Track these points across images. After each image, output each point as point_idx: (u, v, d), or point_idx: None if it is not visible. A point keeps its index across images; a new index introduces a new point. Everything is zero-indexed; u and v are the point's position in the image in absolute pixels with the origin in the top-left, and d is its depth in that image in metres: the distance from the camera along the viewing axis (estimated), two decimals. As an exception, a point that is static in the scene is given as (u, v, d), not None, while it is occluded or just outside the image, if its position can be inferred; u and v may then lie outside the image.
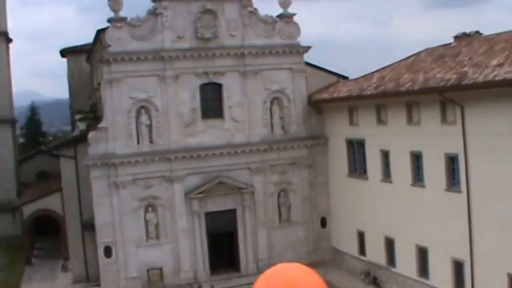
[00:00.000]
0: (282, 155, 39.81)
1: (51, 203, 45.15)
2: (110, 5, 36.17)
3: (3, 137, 56.52)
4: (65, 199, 40.12)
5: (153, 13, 37.20)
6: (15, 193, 56.16)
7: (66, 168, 39.50)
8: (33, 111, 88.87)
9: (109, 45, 36.35)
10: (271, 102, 39.78)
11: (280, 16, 39.99)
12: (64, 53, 58.91)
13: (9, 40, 61.26)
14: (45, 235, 50.47)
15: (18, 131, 72.74)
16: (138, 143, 37.21)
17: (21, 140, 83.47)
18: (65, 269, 42.80)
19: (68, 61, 59.36)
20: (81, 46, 55.46)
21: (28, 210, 46.25)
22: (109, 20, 36.49)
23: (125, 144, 36.89)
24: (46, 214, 46.15)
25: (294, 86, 40.12)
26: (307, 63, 41.42)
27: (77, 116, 47.65)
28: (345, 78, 42.30)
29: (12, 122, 59.99)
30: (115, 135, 36.80)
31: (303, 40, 40.37)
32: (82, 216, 39.32)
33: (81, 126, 41.98)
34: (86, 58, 52.43)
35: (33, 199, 46.48)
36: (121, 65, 36.36)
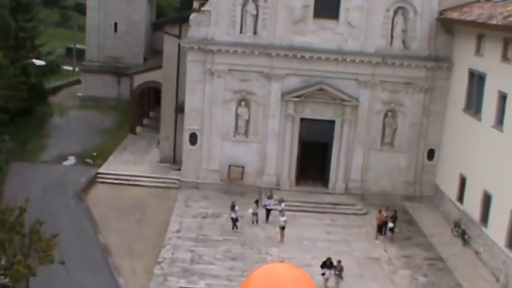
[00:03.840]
0: (397, 72, 35.89)
1: (159, 76, 44.36)
2: None
3: (137, 3, 55.92)
4: (163, 77, 39.11)
5: None
6: (142, 58, 56.19)
7: (169, 46, 38.17)
8: None
9: None
10: (395, 12, 35.50)
11: None
12: None
13: None
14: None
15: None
16: (240, 32, 34.87)
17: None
18: (159, 146, 42.46)
19: None
20: None
21: (138, 80, 45.90)
22: None
23: (226, 31, 34.70)
24: (154, 86, 45.59)
25: (424, -2, 35.48)
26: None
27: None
28: (490, -4, 36.80)
29: (152, -13, 59.18)
30: (217, 21, 34.64)
31: None
32: (178, 97, 38.17)
33: (196, 4, 39.89)
34: None
35: (144, 70, 45.90)
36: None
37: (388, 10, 35.34)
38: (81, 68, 59.54)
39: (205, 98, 35.34)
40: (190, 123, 35.80)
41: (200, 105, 35.46)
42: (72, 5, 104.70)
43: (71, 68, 73.40)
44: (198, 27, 34.76)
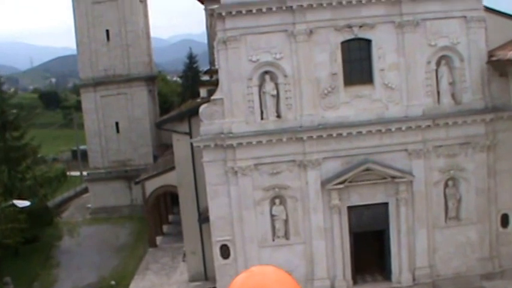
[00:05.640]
0: (451, 133, 30.14)
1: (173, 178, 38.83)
2: None
3: (138, 97, 51.13)
4: (178, 183, 33.52)
5: (278, -49, 28.62)
6: (152, 158, 51.03)
7: (180, 146, 32.72)
8: (191, 58, 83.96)
9: (220, -5, 28.51)
10: (438, 63, 29.99)
11: None
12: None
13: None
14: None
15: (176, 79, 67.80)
16: (261, 118, 29.38)
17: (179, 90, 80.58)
18: (185, 259, 36.61)
19: (206, 8, 52.32)
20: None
21: (150, 186, 40.36)
22: (223, -37, 28.44)
23: (244, 120, 29.21)
24: (169, 191, 40.06)
25: (468, 41, 29.92)
26: (487, 8, 31.00)
27: (204, 78, 40.51)
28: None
29: (150, 79, 54.31)
30: (232, 110, 29.17)
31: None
32: (199, 205, 32.50)
33: (203, 92, 34.65)
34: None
35: (155, 174, 40.38)
36: (238, 20, 28.39)
37: (429, 63, 29.86)
38: (86, 178, 54.41)
39: (231, 201, 29.63)
40: (218, 234, 29.96)
41: (227, 211, 29.72)
42: (75, 104, 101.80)
43: (78, 173, 68.90)
44: (210, 121, 29.33)
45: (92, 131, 51.43)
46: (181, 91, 79.72)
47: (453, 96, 30.22)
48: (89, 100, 51.28)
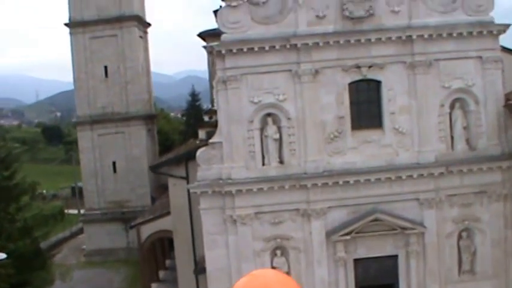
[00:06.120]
0: (466, 181, 28.14)
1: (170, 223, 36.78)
2: (223, -24, 26.45)
3: (136, 136, 49.33)
4: (174, 230, 31.54)
5: (283, -15, 27.01)
6: (150, 199, 49.04)
7: (176, 191, 30.83)
8: (194, 96, 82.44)
9: (222, 32, 26.76)
10: (451, 106, 28.16)
11: (465, -18, 28.13)
12: (203, 36, 50.36)
13: (147, 25, 53.73)
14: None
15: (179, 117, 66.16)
16: (263, 164, 27.46)
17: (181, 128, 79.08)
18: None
19: (206, 46, 50.71)
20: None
21: (146, 230, 38.28)
22: (223, -4, 26.83)
23: (244, 165, 27.29)
24: (166, 236, 37.97)
25: (484, 82, 28.11)
26: (504, 49, 29.48)
27: (205, 117, 38.72)
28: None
29: (149, 117, 52.59)
30: (232, 154, 27.27)
31: (497, 15, 28.25)
32: (195, 253, 30.45)
33: (202, 134, 32.82)
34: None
35: (151, 218, 38.32)
36: (238, 59, 26.69)
37: (442, 106, 28.00)
38: (81, 218, 52.41)
39: (230, 252, 27.56)
40: (216, 287, 27.81)
41: (225, 262, 27.62)
42: (76, 139, 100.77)
43: (76, 211, 67.11)
44: (208, 165, 27.42)
45: (88, 170, 49.60)
46: (184, 129, 78.14)
47: (468, 141, 28.35)
48: (85, 138, 49.56)
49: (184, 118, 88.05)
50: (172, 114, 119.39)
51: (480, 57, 28.07)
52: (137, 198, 48.69)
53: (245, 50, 26.58)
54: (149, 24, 54.13)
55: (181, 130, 79.93)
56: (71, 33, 48.54)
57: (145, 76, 52.23)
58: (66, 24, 48.74)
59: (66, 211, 79.56)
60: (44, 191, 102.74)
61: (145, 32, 53.29)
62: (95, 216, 49.42)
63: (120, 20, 47.93)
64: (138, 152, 49.19)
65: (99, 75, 48.64)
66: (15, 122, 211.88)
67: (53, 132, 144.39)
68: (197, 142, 32.74)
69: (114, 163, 49.21)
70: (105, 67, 48.67)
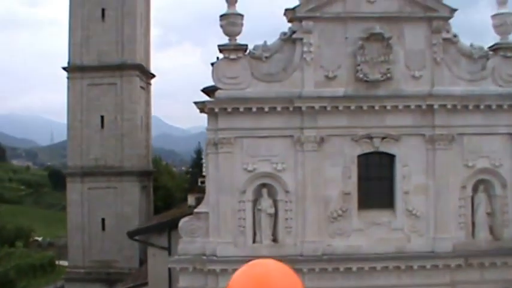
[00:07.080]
0: (488, 276, 24.45)
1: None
2: (222, 26, 23.29)
3: (129, 193, 45.87)
4: (151, 308, 27.71)
5: (289, 39, 23.84)
6: (138, 262, 45.29)
7: (155, 262, 27.18)
8: (198, 154, 79.22)
9: (218, 88, 23.58)
10: (474, 189, 24.68)
11: (496, 47, 24.93)
12: (207, 91, 47.39)
13: (150, 76, 50.91)
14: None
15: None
16: (253, 241, 23.89)
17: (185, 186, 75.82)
18: None
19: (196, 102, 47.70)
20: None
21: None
22: (220, 48, 23.64)
23: (232, 241, 23.79)
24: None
25: (513, 163, 24.78)
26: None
27: (200, 180, 35.28)
28: None
29: (146, 174, 49.24)
30: (219, 227, 23.80)
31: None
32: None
33: (191, 200, 29.39)
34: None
35: (133, 286, 34.53)
36: (234, 119, 23.46)
37: (464, 187, 24.52)
38: (63, 276, 48.70)
39: None
40: None
41: None
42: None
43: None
44: (192, 238, 23.96)
45: (75, 225, 46.06)
46: (187, 187, 74.67)
47: (491, 229, 24.83)
48: (75, 191, 46.17)
49: (188, 176, 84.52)
50: (183, 168, 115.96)
51: (510, 134, 24.79)
52: (124, 259, 44.96)
53: (242, 109, 23.34)
54: (153, 76, 51.32)
55: (184, 188, 76.54)
56: (68, 78, 45.72)
57: (144, 130, 49.09)
58: (64, 68, 45.99)
59: (58, 262, 75.97)
60: (40, 238, 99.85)
61: (148, 84, 50.44)
62: (79, 274, 45.71)
63: (121, 68, 45.11)
64: (130, 211, 45.63)
65: (94, 125, 45.57)
66: (28, 163, 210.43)
67: (60, 177, 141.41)
68: (185, 209, 29.29)
69: (103, 220, 45.68)
70: (102, 117, 45.62)
